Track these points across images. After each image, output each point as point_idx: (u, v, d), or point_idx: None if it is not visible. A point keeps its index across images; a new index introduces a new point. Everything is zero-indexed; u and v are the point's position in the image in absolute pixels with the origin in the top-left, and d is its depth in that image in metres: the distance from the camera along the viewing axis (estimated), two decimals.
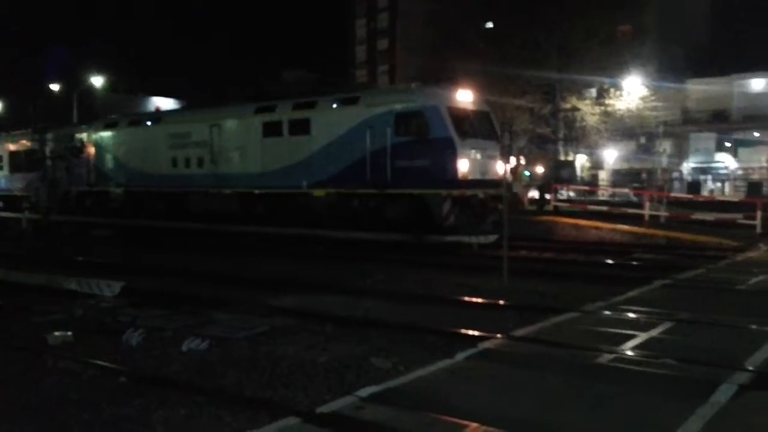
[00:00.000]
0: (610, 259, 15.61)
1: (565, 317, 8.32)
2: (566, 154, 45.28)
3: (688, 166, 54.72)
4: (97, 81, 45.40)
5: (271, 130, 20.32)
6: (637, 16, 45.17)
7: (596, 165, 56.85)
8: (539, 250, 17.57)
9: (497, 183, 18.16)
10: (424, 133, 16.96)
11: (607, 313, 8.60)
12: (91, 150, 26.29)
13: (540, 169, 40.12)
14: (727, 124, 52.92)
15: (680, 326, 7.79)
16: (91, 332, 8.36)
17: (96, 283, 11.15)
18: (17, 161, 30.74)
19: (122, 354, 7.36)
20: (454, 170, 16.74)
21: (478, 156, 17.43)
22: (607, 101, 41.65)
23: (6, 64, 54.98)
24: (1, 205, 31.26)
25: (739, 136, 51.60)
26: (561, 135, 43.50)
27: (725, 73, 51.09)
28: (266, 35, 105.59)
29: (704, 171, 53.78)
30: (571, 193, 37.45)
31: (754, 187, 38.66)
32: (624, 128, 46.56)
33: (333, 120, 18.90)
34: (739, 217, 22.96)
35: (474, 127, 17.84)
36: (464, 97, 18.24)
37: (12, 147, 31.19)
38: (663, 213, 25.27)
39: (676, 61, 52.26)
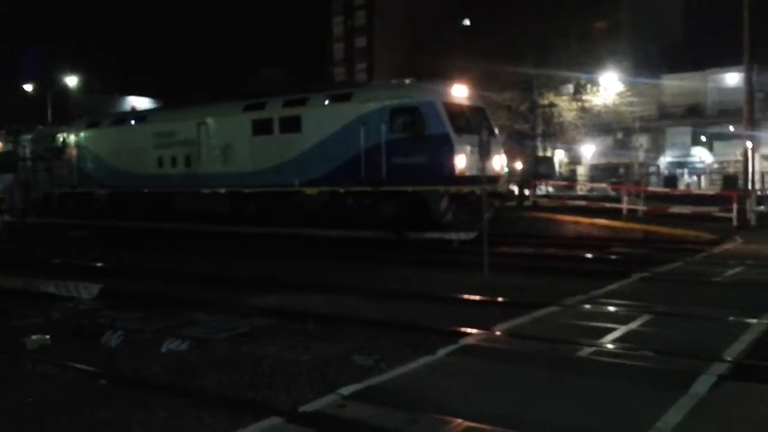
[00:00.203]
0: (590, 253, 15.74)
1: (545, 311, 8.36)
2: (544, 150, 45.63)
3: (664, 160, 55.33)
4: (72, 81, 44.88)
5: (261, 127, 19.97)
6: (612, 13, 45.65)
7: (574, 160, 57.35)
8: (519, 246, 17.64)
9: (494, 179, 18.27)
10: (420, 130, 16.70)
11: (587, 306, 8.66)
12: (73, 151, 25.79)
13: (519, 165, 40.36)
14: (702, 118, 53.60)
15: (659, 318, 7.86)
16: (70, 335, 8.26)
17: (74, 286, 11.02)
18: None
19: (101, 356, 7.28)
20: (452, 167, 16.51)
21: (475, 152, 17.34)
22: (584, 97, 42.02)
23: None
24: None
25: (714, 130, 52.23)
26: (539, 131, 43.80)
27: (699, 68, 51.73)
28: (243, 33, 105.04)
29: (680, 165, 54.40)
30: (550, 189, 37.70)
31: (729, 180, 39.19)
32: (601, 123, 46.98)
33: (325, 117, 18.57)
34: (715, 210, 23.25)
35: (470, 123, 17.57)
36: (459, 92, 18.00)
37: None
38: (640, 207, 25.53)
39: (651, 57, 52.80)
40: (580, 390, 5.35)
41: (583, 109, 41.98)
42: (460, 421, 4.68)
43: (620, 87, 42.31)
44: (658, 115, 54.66)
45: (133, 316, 9.03)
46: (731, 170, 45.71)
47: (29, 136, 27.95)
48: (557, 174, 47.30)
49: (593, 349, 6.59)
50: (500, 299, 9.58)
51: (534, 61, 39.53)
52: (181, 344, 7.37)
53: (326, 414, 4.95)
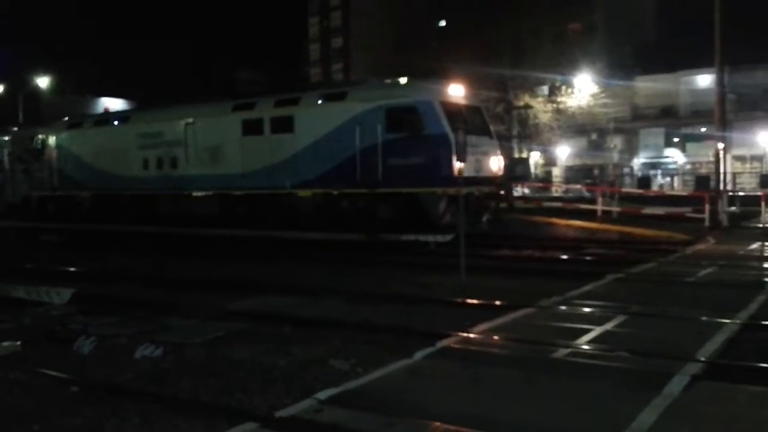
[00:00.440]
0: (565, 254, 15.85)
1: (522, 313, 8.40)
2: (520, 152, 45.86)
3: (638, 161, 55.99)
4: (43, 82, 44.24)
5: (251, 128, 19.54)
6: (585, 14, 46.05)
7: (549, 162, 57.78)
8: (496, 248, 17.73)
9: (492, 180, 18.00)
10: (418, 130, 16.38)
11: (562, 308, 8.72)
12: (53, 152, 25.17)
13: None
14: (675, 119, 54.29)
15: (633, 319, 7.93)
16: (41, 341, 8.11)
17: (45, 291, 10.84)
18: None
19: (74, 363, 7.16)
20: (450, 167, 15.93)
21: (473, 152, 16.78)
22: (558, 99, 42.29)
23: None
24: None
25: (687, 131, 52.96)
26: (515, 132, 44.01)
27: (672, 70, 52.40)
28: (218, 34, 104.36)
29: (654, 166, 55.08)
30: (526, 190, 37.93)
31: (702, 181, 39.72)
32: (576, 125, 47.33)
33: (318, 117, 18.21)
34: (688, 211, 23.58)
35: (467, 123, 17.24)
36: (456, 91, 17.75)
37: None
38: (615, 208, 25.81)
39: (625, 59, 53.33)
40: (556, 391, 5.38)
41: (558, 111, 42.23)
42: (437, 424, 4.68)
43: (594, 88, 42.67)
44: (631, 117, 55.27)
45: (107, 321, 8.91)
46: (704, 171, 46.38)
47: (6, 138, 27.40)
48: (533, 175, 47.63)
49: (569, 350, 6.63)
50: (477, 301, 9.60)
51: (509, 62, 39.72)
52: (155, 349, 7.28)
53: (303, 419, 4.92)
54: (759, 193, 28.02)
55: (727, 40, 22.43)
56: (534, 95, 42.32)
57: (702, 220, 21.78)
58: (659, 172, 54.58)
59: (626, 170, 55.11)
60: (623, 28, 55.80)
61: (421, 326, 8.08)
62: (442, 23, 46.39)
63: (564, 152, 54.94)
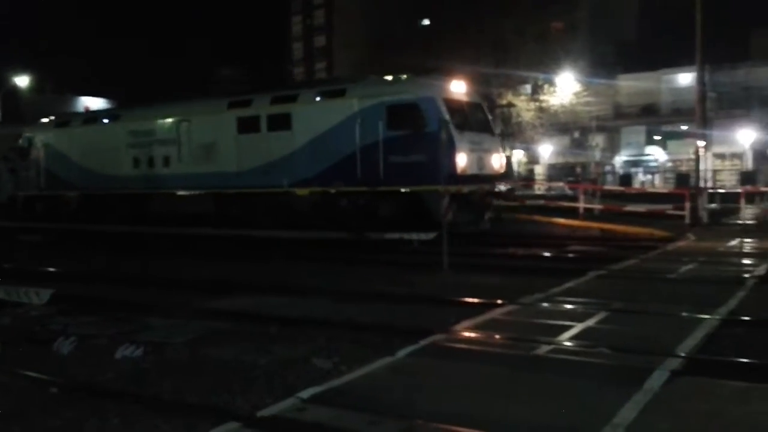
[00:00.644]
0: (548, 251, 15.93)
1: (504, 310, 8.43)
2: (503, 150, 45.99)
3: (619, 159, 56.41)
4: (22, 81, 43.75)
5: (247, 125, 19.22)
6: (568, 13, 46.26)
7: (532, 160, 58.05)
8: (479, 245, 17.77)
9: (494, 178, 17.84)
10: (420, 127, 16.13)
11: (545, 304, 8.75)
12: (40, 151, 24.75)
13: None
14: (656, 117, 54.75)
15: (615, 315, 7.98)
16: (20, 342, 8.02)
17: (24, 291, 10.72)
18: None
19: (53, 363, 7.08)
20: (453, 165, 16.00)
21: (475, 150, 16.80)
22: (541, 97, 42.50)
23: None
24: None
25: (668, 129, 53.44)
26: (498, 131, 44.17)
27: (654, 69, 52.82)
28: (201, 34, 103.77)
29: (635, 164, 55.53)
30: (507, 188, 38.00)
31: (682, 178, 40.11)
32: (558, 123, 47.65)
33: (317, 114, 17.91)
34: (669, 208, 23.77)
35: (469, 120, 17.16)
36: (458, 87, 17.48)
37: None
38: (597, 206, 25.99)
39: (607, 57, 53.74)
40: (538, 388, 5.40)
41: (541, 109, 42.48)
42: (420, 421, 4.67)
43: (577, 87, 42.94)
44: (613, 115, 55.67)
45: (87, 321, 8.83)
46: (684, 168, 46.82)
47: None
48: (516, 174, 47.80)
49: (552, 346, 6.65)
50: (460, 298, 9.62)
51: (492, 60, 39.86)
52: (135, 350, 7.22)
53: (285, 418, 4.89)
54: (738, 190, 28.34)
55: (708, 39, 22.66)
56: (517, 94, 42.53)
57: (682, 217, 21.97)
58: (641, 169, 55.04)
59: (608, 168, 55.51)
60: (605, 27, 56.21)
61: (405, 324, 8.09)
62: (426, 22, 46.46)
63: (547, 150, 55.22)
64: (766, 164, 45.97)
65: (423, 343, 6.84)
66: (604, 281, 10.69)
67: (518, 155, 54.25)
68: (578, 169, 53.58)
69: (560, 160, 57.09)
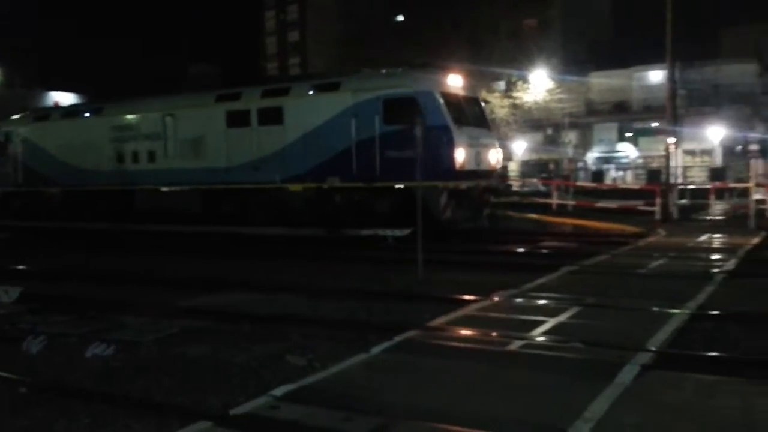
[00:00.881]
0: (521, 247, 16.02)
1: (478, 306, 8.47)
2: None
3: (592, 155, 56.97)
4: None
5: (237, 119, 18.80)
6: (541, 10, 46.58)
7: (506, 156, 58.31)
8: (454, 241, 17.81)
9: (491, 173, 17.63)
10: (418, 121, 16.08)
11: (518, 300, 8.81)
12: (18, 146, 24.07)
13: None
14: (627, 114, 55.39)
15: (587, 311, 8.06)
16: None
17: None
18: None
19: (22, 363, 6.96)
20: (452, 161, 15.71)
21: (473, 145, 16.55)
22: (515, 94, 42.77)
23: None
24: None
25: (639, 126, 54.11)
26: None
27: (625, 66, 53.41)
28: (173, 28, 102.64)
29: (607, 160, 56.14)
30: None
31: (653, 174, 40.67)
32: (531, 120, 48.00)
33: (310, 108, 17.54)
34: (640, 204, 24.07)
35: (467, 115, 16.88)
36: (455, 81, 17.14)
37: None
38: (569, 202, 26.23)
39: (579, 55, 54.25)
40: (512, 382, 5.43)
41: (515, 106, 42.77)
42: (394, 417, 4.67)
43: (550, 84, 43.28)
44: (585, 112, 56.21)
45: (57, 320, 8.69)
46: (655, 165, 47.44)
47: None
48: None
49: (525, 342, 6.70)
50: (435, 295, 9.65)
51: (467, 56, 40.02)
52: (106, 348, 7.13)
53: (258, 416, 4.87)
54: (708, 186, 28.78)
55: (678, 38, 22.97)
56: (491, 90, 42.75)
57: (653, 212, 22.25)
58: (612, 166, 55.66)
59: (580, 164, 56.03)
60: (578, 25, 56.73)
61: (380, 321, 8.10)
62: (400, 18, 46.49)
63: (520, 147, 55.55)
64: (735, 161, 46.74)
65: (398, 339, 6.85)
66: (577, 277, 10.79)
67: None
68: (551, 166, 54.02)
69: (533, 156, 57.48)
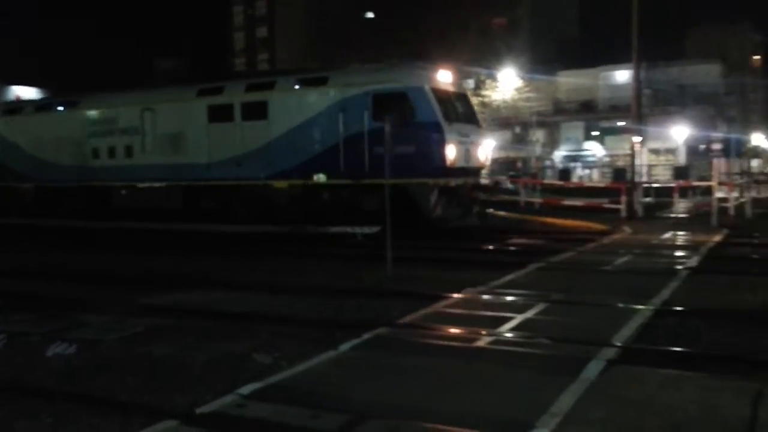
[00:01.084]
0: (489, 244, 16.09)
1: (446, 302, 8.50)
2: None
3: (559, 154, 57.61)
4: None
5: (219, 114, 18.38)
6: (510, 9, 46.90)
7: None
8: (423, 238, 17.82)
9: (480, 170, 17.53)
10: (408, 117, 15.29)
11: (486, 297, 8.86)
12: None
13: None
14: (594, 113, 56.17)
15: (553, 307, 8.14)
16: None
17: None
18: None
19: None
20: (442, 157, 15.49)
21: (463, 142, 16.38)
22: (484, 92, 43.03)
23: None
24: None
25: (606, 125, 54.86)
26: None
27: (592, 66, 54.12)
28: (139, 22, 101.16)
29: (574, 158, 56.85)
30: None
31: (619, 173, 41.21)
32: (500, 118, 48.35)
33: (296, 103, 17.18)
34: (605, 202, 24.40)
35: (457, 111, 16.68)
36: (445, 77, 16.90)
37: None
38: (537, 199, 26.47)
39: (547, 54, 54.78)
40: (480, 379, 5.45)
41: (483, 104, 43.02)
42: (363, 415, 4.66)
43: (518, 83, 43.63)
44: (553, 111, 56.86)
45: (17, 318, 8.49)
46: (621, 163, 48.14)
47: None
48: None
49: (492, 338, 6.74)
50: (403, 291, 9.64)
51: (437, 54, 40.13)
52: (68, 347, 6.98)
53: (225, 414, 4.82)
54: (672, 185, 29.28)
55: (645, 38, 23.38)
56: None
57: (619, 210, 22.56)
58: (579, 164, 56.36)
59: (548, 163, 56.62)
60: (546, 24, 57.25)
61: (350, 318, 8.07)
62: (370, 15, 46.42)
63: (489, 145, 55.93)
64: (699, 159, 47.68)
65: (366, 336, 6.84)
66: (544, 273, 10.88)
67: None
68: (519, 164, 54.45)
69: (502, 154, 57.91)
